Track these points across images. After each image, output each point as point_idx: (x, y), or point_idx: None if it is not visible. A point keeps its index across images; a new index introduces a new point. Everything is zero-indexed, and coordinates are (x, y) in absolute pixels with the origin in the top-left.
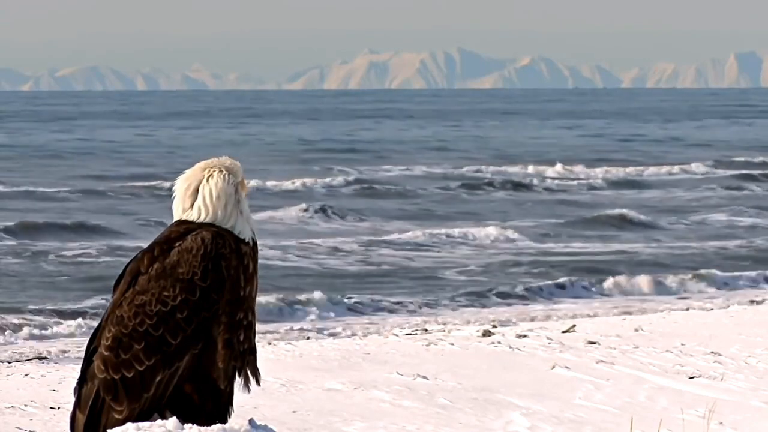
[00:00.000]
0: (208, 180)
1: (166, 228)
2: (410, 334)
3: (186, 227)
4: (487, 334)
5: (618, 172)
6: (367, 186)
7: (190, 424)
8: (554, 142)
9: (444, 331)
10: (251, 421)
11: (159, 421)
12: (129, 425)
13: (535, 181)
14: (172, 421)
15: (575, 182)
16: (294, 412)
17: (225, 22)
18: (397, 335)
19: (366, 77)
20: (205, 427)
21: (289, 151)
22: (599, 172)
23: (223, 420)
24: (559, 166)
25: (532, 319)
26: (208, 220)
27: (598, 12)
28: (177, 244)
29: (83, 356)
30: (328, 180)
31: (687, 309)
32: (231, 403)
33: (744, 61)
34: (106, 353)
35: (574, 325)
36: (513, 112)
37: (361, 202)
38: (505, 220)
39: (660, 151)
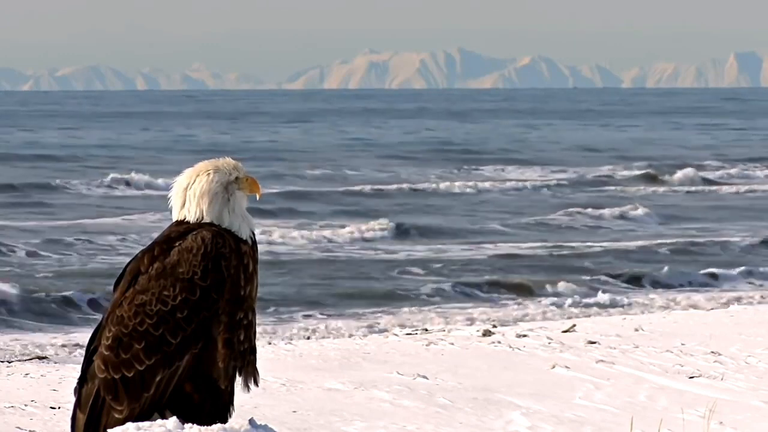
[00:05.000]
0: (195, 180)
1: (166, 228)
2: (410, 334)
3: (186, 227)
4: (487, 333)
5: None
6: (594, 186)
7: (190, 424)
8: (694, 141)
9: (444, 330)
10: (251, 421)
11: (159, 421)
12: (129, 425)
13: None
14: (173, 421)
15: None
16: (294, 411)
17: (225, 22)
18: (397, 335)
19: (366, 77)
20: (205, 426)
21: (432, 151)
22: None
23: (224, 420)
24: None
25: None
26: (198, 219)
27: (598, 12)
28: (177, 244)
29: (84, 356)
30: (550, 180)
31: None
32: (232, 403)
33: (744, 61)
34: (106, 353)
35: (574, 325)
36: (593, 111)
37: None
38: None
39: None
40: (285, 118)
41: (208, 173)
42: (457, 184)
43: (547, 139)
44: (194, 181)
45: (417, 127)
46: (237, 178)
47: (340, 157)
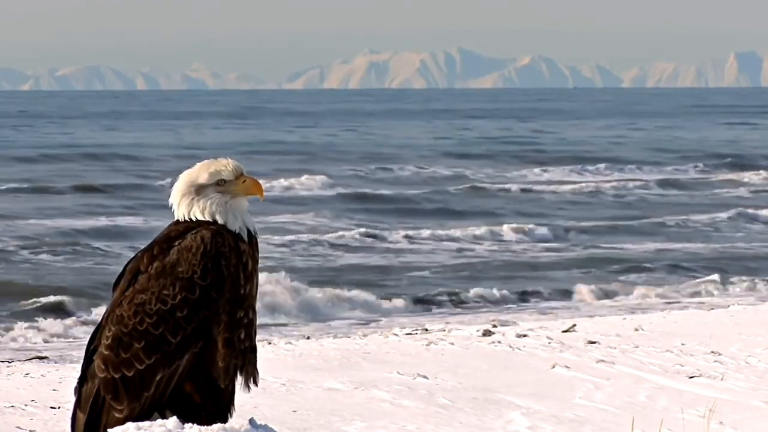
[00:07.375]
0: (179, 181)
1: (166, 227)
2: (410, 334)
3: (185, 226)
4: (487, 333)
5: None
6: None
7: (190, 424)
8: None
9: (444, 330)
10: (251, 421)
11: (159, 421)
12: (129, 424)
13: None
14: (173, 421)
15: None
16: (294, 411)
17: (225, 22)
18: (397, 335)
19: (366, 77)
20: (205, 426)
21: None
22: None
23: (224, 419)
24: None
25: None
26: (184, 218)
27: (598, 12)
28: (176, 243)
29: (83, 356)
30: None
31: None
32: (232, 403)
33: (744, 61)
34: (106, 352)
35: (574, 325)
36: (647, 113)
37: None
38: None
39: None
40: (332, 118)
41: (187, 174)
42: (582, 185)
43: (606, 138)
44: (179, 181)
45: (469, 126)
46: (223, 180)
47: (417, 157)
